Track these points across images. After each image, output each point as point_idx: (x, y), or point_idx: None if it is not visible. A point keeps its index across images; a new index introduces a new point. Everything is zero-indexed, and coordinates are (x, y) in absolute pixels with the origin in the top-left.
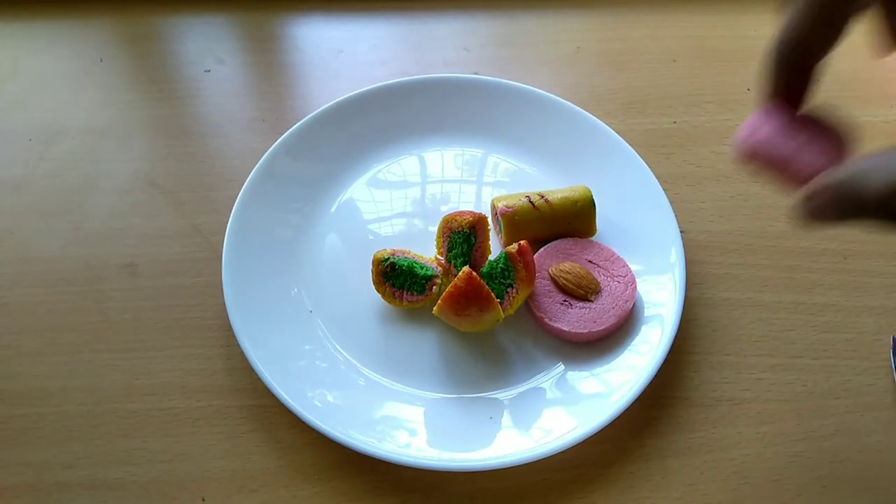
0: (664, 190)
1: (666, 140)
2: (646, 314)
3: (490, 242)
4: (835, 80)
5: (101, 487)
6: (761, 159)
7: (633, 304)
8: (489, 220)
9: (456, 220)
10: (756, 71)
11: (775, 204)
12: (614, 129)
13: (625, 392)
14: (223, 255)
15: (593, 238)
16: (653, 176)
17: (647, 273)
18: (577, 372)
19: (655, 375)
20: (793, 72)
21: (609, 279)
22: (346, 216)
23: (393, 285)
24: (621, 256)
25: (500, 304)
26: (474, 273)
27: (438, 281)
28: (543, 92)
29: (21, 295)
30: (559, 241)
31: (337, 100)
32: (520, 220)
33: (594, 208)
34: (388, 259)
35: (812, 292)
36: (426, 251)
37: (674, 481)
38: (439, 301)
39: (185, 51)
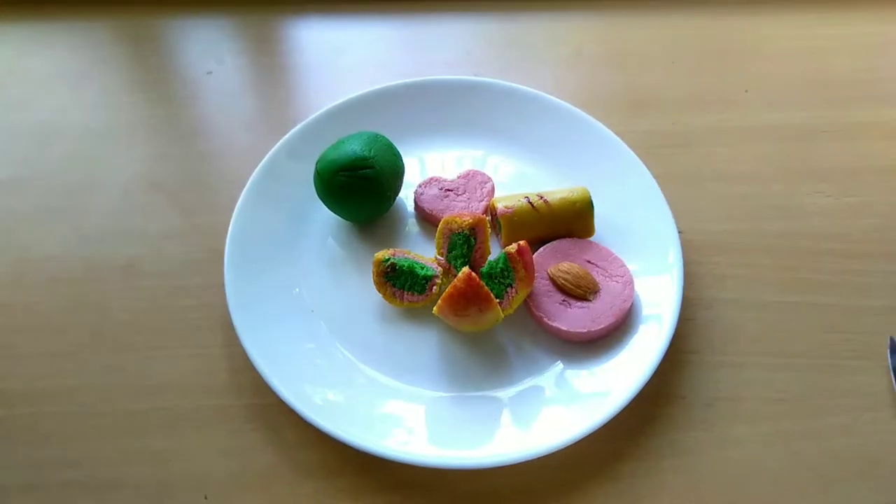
0: (664, 190)
1: (666, 140)
2: (644, 314)
3: (490, 243)
4: (835, 79)
5: (101, 487)
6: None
7: (632, 304)
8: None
9: (456, 222)
10: (756, 71)
11: (775, 204)
12: (614, 130)
13: (624, 391)
14: (226, 255)
15: (592, 238)
16: (650, 176)
17: (646, 273)
18: (576, 371)
19: (654, 375)
20: None
21: (607, 279)
22: None
23: (393, 285)
24: (619, 256)
25: (500, 303)
26: (474, 274)
27: (439, 281)
28: (543, 93)
29: (21, 295)
30: (558, 241)
31: (338, 101)
32: (519, 221)
33: (592, 209)
34: (389, 259)
35: (812, 292)
36: (426, 251)
37: (672, 481)
38: (439, 302)
39: (186, 52)
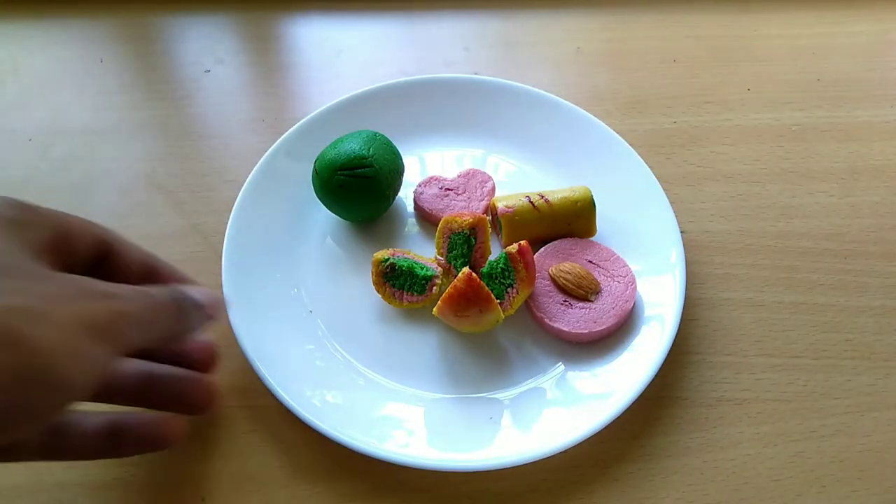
0: (664, 190)
1: (666, 140)
2: (646, 314)
3: (490, 243)
4: (835, 80)
5: (101, 487)
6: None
7: (634, 304)
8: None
9: (456, 221)
10: (756, 71)
11: (775, 204)
12: (614, 129)
13: (625, 392)
14: (223, 256)
15: (593, 238)
16: (653, 176)
17: (648, 273)
18: (577, 372)
19: (655, 375)
20: None
21: (609, 279)
22: None
23: (393, 286)
24: (621, 256)
25: (501, 304)
26: (474, 274)
27: (438, 281)
28: (544, 92)
29: None
30: (559, 241)
31: (337, 100)
32: (519, 221)
33: (594, 208)
34: (388, 259)
35: (812, 292)
36: (426, 251)
37: (674, 481)
38: (439, 302)
39: (185, 51)
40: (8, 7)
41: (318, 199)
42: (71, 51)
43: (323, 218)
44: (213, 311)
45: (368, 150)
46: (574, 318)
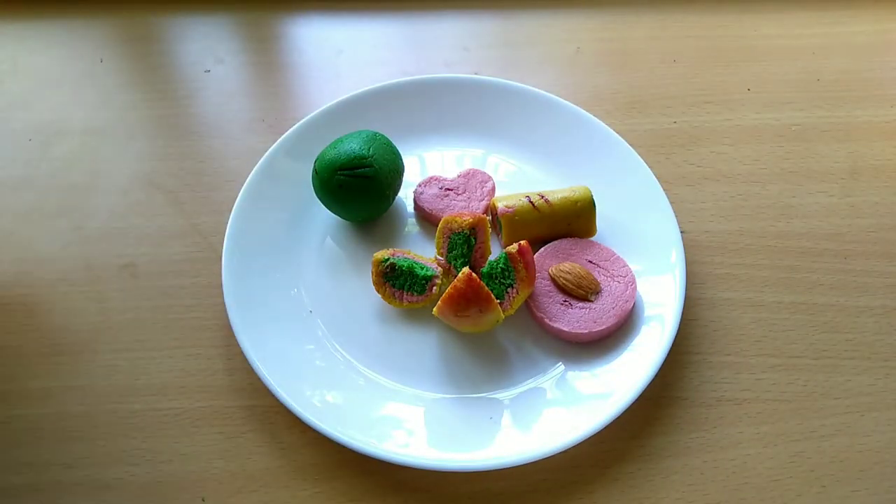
0: (664, 190)
1: (666, 140)
2: (646, 314)
3: (490, 243)
4: (835, 80)
5: (101, 487)
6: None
7: (634, 305)
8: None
9: (456, 221)
10: (756, 71)
11: (775, 204)
12: (614, 129)
13: (625, 392)
14: (223, 256)
15: (593, 238)
16: (653, 176)
17: (648, 273)
18: (577, 372)
19: (655, 375)
20: None
21: (609, 279)
22: None
23: (393, 286)
24: (621, 256)
25: (501, 304)
26: (474, 274)
27: (438, 281)
28: (544, 92)
29: (21, 295)
30: (559, 241)
31: (337, 100)
32: (519, 221)
33: (594, 208)
34: (388, 259)
35: (812, 292)
36: (426, 251)
37: (674, 481)
38: (439, 302)
39: (185, 51)
40: (8, 7)
41: (318, 199)
42: (71, 51)
43: (323, 218)
44: None
45: (368, 150)
46: (574, 318)
